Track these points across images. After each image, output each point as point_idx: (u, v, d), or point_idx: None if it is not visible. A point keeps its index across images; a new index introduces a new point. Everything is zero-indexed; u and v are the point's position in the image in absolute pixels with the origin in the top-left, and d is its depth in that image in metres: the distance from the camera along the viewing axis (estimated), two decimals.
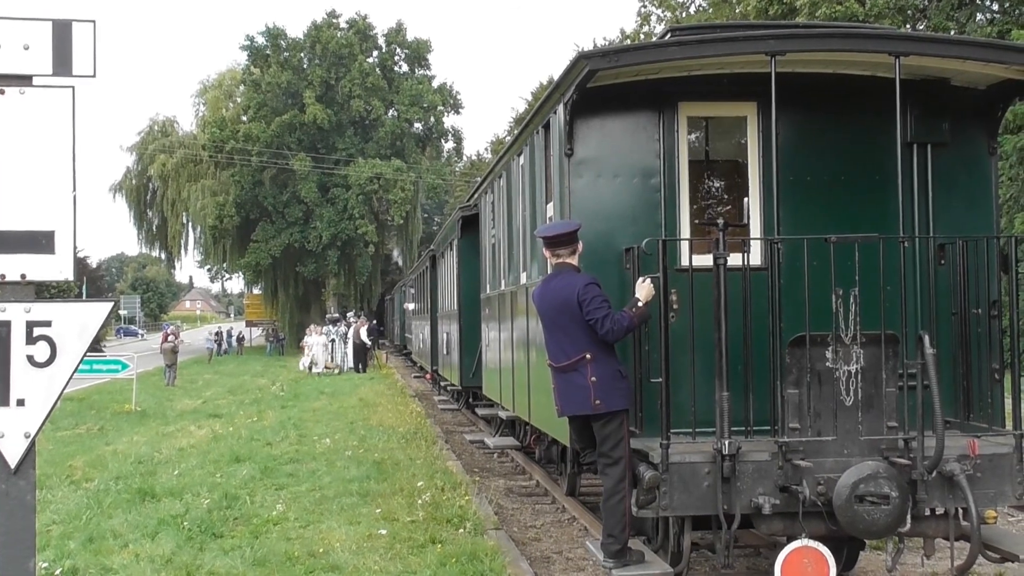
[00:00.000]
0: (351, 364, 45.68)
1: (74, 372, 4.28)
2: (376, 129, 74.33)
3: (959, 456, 8.13)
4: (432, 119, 76.72)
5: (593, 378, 8.45)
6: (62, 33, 4.26)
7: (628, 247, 9.18)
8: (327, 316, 68.35)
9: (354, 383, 38.17)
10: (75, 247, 4.30)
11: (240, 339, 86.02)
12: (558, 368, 8.71)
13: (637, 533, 9.16)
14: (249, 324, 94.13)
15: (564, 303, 8.55)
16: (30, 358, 4.22)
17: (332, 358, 46.31)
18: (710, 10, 46.87)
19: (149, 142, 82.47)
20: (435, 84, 76.99)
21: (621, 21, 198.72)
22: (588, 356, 8.46)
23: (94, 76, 4.29)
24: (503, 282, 14.56)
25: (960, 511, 8.34)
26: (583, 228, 8.94)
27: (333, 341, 47.48)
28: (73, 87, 4.31)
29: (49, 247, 4.25)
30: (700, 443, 8.30)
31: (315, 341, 46.19)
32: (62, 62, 4.27)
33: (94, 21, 4.29)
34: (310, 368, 45.25)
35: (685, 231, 9.49)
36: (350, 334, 46.84)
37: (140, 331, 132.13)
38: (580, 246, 8.85)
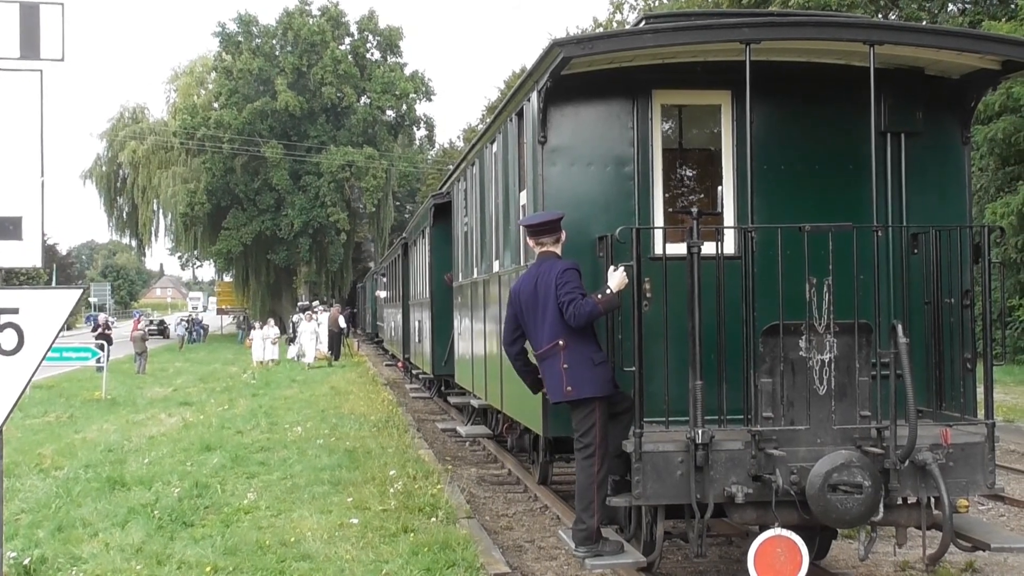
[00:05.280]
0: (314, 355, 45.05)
1: (42, 360, 4.22)
2: (348, 116, 74.15)
3: (931, 445, 8.15)
4: (404, 107, 76.60)
5: (565, 365, 8.44)
6: (30, 16, 4.20)
7: (601, 235, 9.15)
8: (298, 304, 67.97)
9: (325, 371, 38.07)
10: (43, 233, 4.24)
11: (204, 328, 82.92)
12: (539, 355, 8.71)
13: (610, 522, 9.15)
14: (220, 312, 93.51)
15: (546, 288, 8.54)
16: None
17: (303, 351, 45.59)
18: None
19: (120, 128, 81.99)
20: (407, 72, 76.87)
21: (594, 10, 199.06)
22: (561, 343, 8.46)
23: (62, 60, 4.23)
24: (475, 270, 14.51)
25: (932, 500, 8.37)
26: None
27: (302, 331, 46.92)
28: (41, 71, 4.25)
29: (16, 233, 4.19)
30: (673, 432, 8.28)
31: (304, 329, 45.50)
32: (30, 45, 4.20)
33: (62, 4, 4.23)
34: (298, 358, 44.78)
35: (659, 219, 9.48)
36: (322, 323, 46.27)
37: (110, 318, 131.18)
38: (564, 235, 8.83)
